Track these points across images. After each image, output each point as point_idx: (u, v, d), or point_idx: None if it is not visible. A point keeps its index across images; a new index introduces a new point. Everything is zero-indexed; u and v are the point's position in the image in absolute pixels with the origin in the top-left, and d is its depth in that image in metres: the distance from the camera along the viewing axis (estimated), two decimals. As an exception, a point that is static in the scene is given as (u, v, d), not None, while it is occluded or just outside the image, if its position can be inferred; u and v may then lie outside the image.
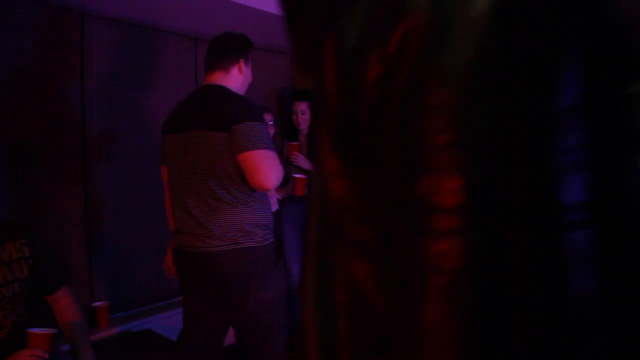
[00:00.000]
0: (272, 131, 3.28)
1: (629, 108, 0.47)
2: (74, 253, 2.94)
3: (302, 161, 3.29)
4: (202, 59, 3.63)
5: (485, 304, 0.48)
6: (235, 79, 2.11)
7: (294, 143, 3.34)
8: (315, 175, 0.68)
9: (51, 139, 2.84)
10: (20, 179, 2.69)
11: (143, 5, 3.02)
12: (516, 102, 0.47)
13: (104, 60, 3.10)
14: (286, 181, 2.87)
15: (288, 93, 4.11)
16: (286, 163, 3.12)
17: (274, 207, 2.26)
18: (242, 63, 2.12)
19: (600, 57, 0.47)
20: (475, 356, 0.48)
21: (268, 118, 3.48)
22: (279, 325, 2.10)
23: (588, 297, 0.48)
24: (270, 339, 2.08)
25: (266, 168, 1.91)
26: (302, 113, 3.62)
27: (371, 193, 0.55)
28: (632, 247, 0.47)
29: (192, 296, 2.16)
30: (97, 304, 2.85)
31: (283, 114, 3.76)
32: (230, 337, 3.61)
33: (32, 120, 2.74)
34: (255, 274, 2.01)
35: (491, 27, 0.46)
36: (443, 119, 0.47)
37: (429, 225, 0.49)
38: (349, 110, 0.55)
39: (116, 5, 3.00)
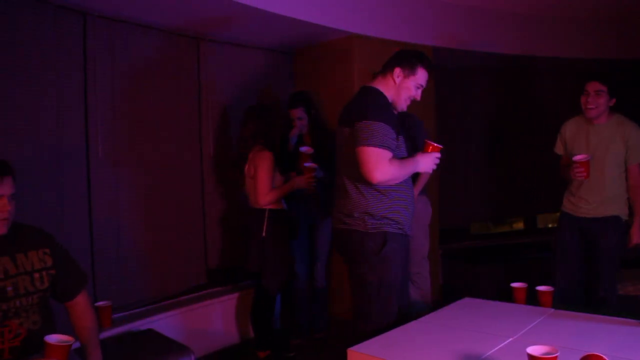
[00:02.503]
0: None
1: None
2: (77, 254, 2.93)
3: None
4: (204, 59, 3.67)
5: None
6: (388, 85, 2.36)
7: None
8: None
9: (52, 139, 2.84)
10: (22, 179, 2.68)
11: (144, 5, 3.01)
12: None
13: (106, 60, 3.10)
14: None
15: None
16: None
17: None
18: (396, 71, 2.33)
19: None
20: None
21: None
22: (376, 308, 2.31)
23: None
24: (364, 315, 2.34)
25: (371, 164, 2.17)
26: (300, 119, 3.56)
27: None
28: None
29: None
30: (100, 303, 2.85)
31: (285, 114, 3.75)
32: (233, 337, 3.63)
33: (31, 120, 2.75)
34: (359, 255, 2.32)
35: None
36: None
37: None
38: None
39: (117, 5, 3.00)
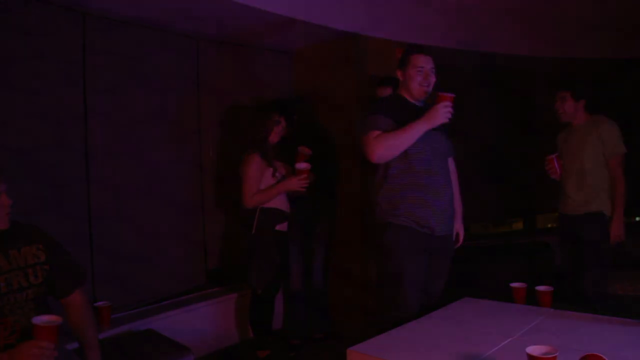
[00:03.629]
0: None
1: None
2: (76, 253, 2.94)
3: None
4: (203, 59, 3.67)
5: None
6: (401, 86, 2.67)
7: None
8: None
9: (52, 140, 2.85)
10: (22, 179, 2.69)
11: (144, 5, 3.02)
12: None
13: (106, 60, 3.10)
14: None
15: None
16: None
17: None
18: (398, 74, 2.67)
19: None
20: None
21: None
22: (386, 292, 2.55)
23: None
24: (381, 298, 2.61)
25: (367, 146, 2.49)
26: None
27: None
28: None
29: None
30: (99, 304, 2.85)
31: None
32: (233, 337, 3.63)
33: (32, 121, 2.75)
34: (376, 242, 2.60)
35: None
36: None
37: None
38: None
39: (117, 5, 3.00)
